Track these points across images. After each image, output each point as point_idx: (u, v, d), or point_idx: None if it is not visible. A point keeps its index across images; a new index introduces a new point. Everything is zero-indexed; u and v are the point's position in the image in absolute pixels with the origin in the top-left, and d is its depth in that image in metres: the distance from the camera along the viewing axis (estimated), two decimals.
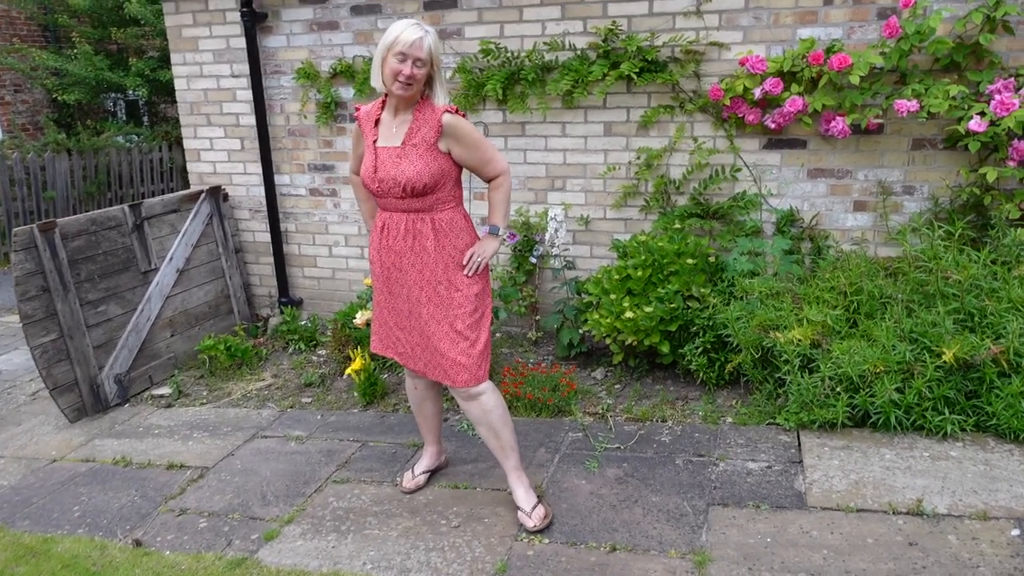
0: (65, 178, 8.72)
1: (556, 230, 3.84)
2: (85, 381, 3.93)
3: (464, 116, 2.53)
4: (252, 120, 4.77)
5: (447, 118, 2.44)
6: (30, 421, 3.97)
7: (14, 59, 9.77)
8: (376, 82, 2.49)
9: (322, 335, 4.71)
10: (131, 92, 10.42)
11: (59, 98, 9.75)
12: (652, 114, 3.99)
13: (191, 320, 4.63)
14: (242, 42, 4.62)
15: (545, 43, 4.05)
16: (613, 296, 3.56)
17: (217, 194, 4.84)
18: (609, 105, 4.11)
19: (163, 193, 10.14)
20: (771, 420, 3.09)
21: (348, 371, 3.74)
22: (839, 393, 2.87)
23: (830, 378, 2.87)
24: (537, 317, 4.45)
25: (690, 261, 3.52)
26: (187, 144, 5.05)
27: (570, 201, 4.32)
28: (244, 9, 4.43)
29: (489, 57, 4.13)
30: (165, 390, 4.20)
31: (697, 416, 3.29)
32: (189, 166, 5.10)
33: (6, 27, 10.68)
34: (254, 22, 4.50)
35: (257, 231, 5.07)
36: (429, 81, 2.47)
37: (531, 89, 4.12)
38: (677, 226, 3.78)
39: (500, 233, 2.59)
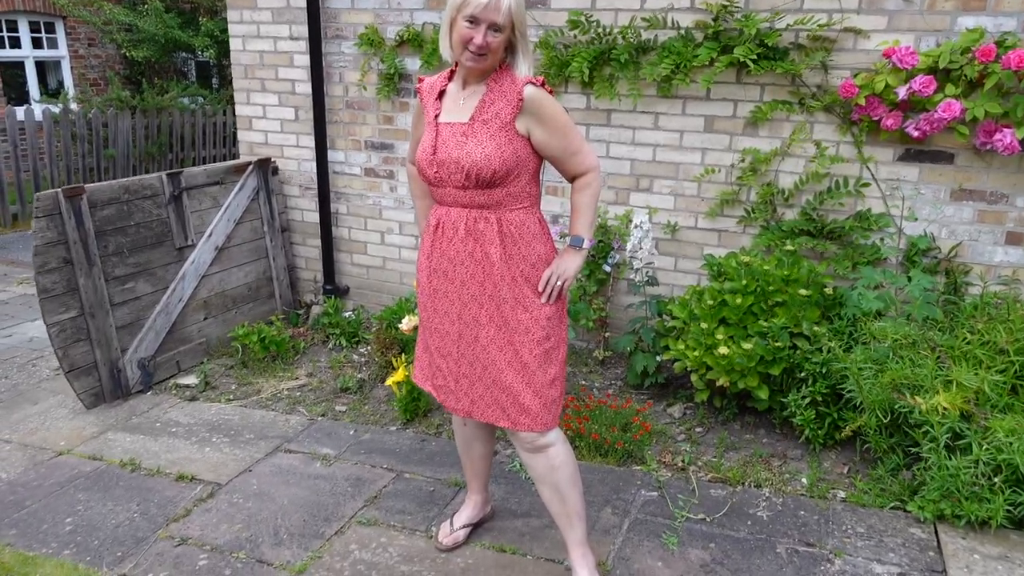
0: (127, 136, 8.54)
1: (641, 240, 3.27)
2: (105, 364, 3.58)
3: (551, 92, 2.00)
4: (308, 88, 4.33)
5: (530, 91, 1.94)
6: (47, 401, 3.64)
7: (88, 12, 9.63)
8: (444, 50, 1.99)
9: (366, 331, 4.26)
10: (200, 53, 10.20)
11: (128, 54, 9.57)
12: (765, 110, 3.36)
13: (228, 303, 4.25)
14: (303, 1, 4.17)
15: (644, 19, 3.46)
16: (704, 325, 2.99)
17: (266, 167, 4.43)
18: (713, 96, 3.50)
19: (225, 158, 9.92)
20: (899, 505, 2.49)
21: (389, 381, 3.28)
22: (996, 484, 2.25)
23: (985, 462, 2.25)
24: (607, 334, 3.90)
25: (802, 292, 2.91)
26: (239, 111, 4.66)
27: (656, 204, 3.74)
28: None
29: (577, 31, 3.56)
30: (192, 379, 3.83)
31: (800, 484, 2.71)
32: (240, 134, 4.70)
33: None
34: None
35: (306, 210, 4.65)
36: (510, 48, 1.97)
37: (623, 72, 3.55)
38: (789, 247, 3.16)
39: (585, 246, 2.05)
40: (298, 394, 3.65)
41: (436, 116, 2.04)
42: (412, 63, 4.07)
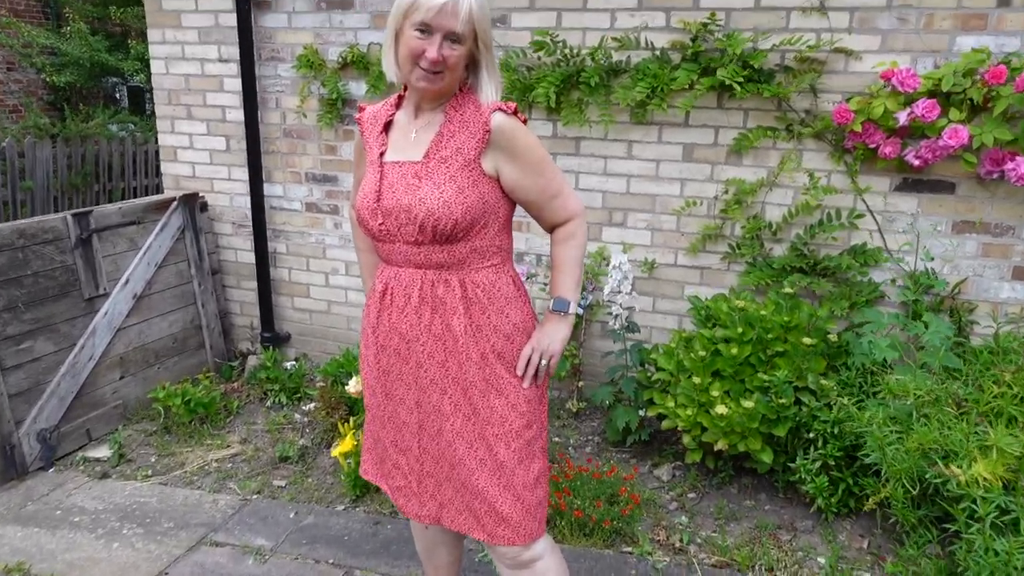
0: (47, 167, 7.86)
1: (620, 282, 2.92)
2: None
3: (525, 122, 1.63)
4: (240, 115, 3.88)
5: (499, 120, 1.56)
6: None
7: (4, 34, 8.95)
8: (389, 68, 1.61)
9: (309, 386, 3.79)
10: (130, 77, 9.60)
11: (48, 79, 8.91)
12: (750, 137, 3.06)
13: (149, 357, 3.72)
14: (233, 19, 3.73)
15: (615, 39, 3.14)
16: (697, 379, 2.63)
17: (193, 203, 3.94)
18: (692, 123, 3.19)
19: (159, 188, 9.28)
20: None
21: (335, 452, 2.83)
22: None
23: None
24: (580, 383, 3.52)
25: (806, 341, 2.59)
26: (162, 140, 4.16)
27: (631, 240, 3.40)
28: None
29: (542, 53, 3.22)
30: (103, 451, 3.29)
31: (817, 564, 2.36)
32: (163, 166, 4.21)
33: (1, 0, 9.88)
34: None
35: (240, 249, 4.17)
36: (472, 65, 1.60)
37: (592, 96, 3.21)
38: (787, 289, 2.84)
39: (571, 311, 1.67)
40: (229, 466, 3.15)
41: (381, 154, 1.64)
42: (357, 87, 3.67)
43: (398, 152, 1.62)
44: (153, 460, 3.22)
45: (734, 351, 2.61)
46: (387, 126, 1.67)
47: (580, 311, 3.38)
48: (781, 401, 2.49)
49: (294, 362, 4.02)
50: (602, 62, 3.18)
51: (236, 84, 3.86)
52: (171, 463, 3.19)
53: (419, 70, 1.51)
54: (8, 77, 10.14)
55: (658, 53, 3.13)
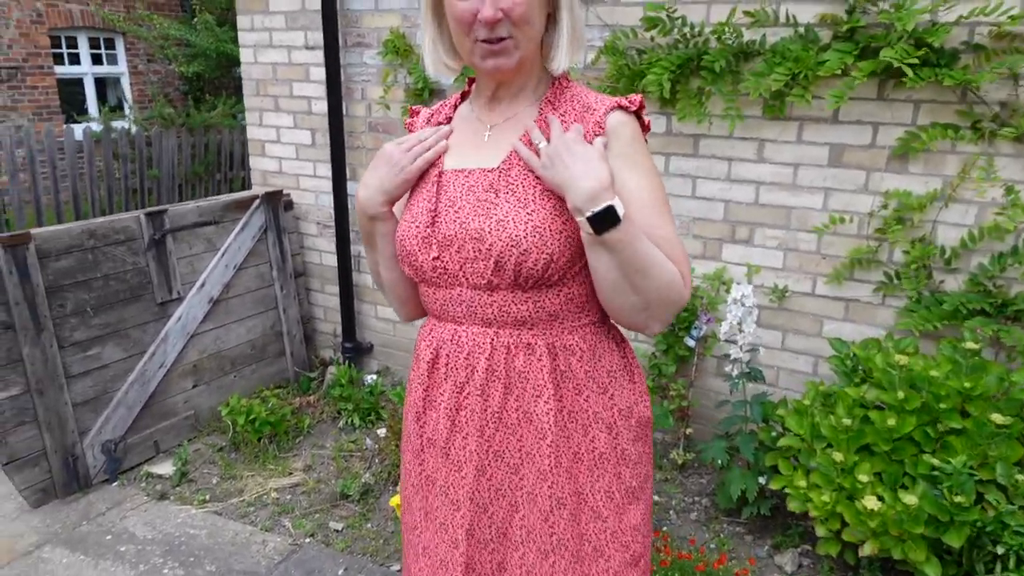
0: (172, 156, 8.10)
1: (742, 319, 2.35)
2: (57, 452, 2.89)
3: (648, 128, 1.17)
4: (325, 107, 3.59)
5: (618, 121, 1.12)
6: None
7: (142, 28, 9.33)
8: (436, 59, 1.20)
9: (386, 407, 3.46)
10: None
11: (178, 70, 9.20)
12: (923, 137, 2.38)
13: (225, 365, 3.53)
14: (319, 2, 3.43)
15: (747, 12, 2.54)
16: (838, 456, 2.04)
17: (276, 201, 3.70)
18: (844, 118, 2.55)
19: None
20: None
21: (393, 502, 2.46)
22: None
23: None
24: (688, 429, 2.97)
25: (996, 418, 1.92)
26: (250, 133, 3.96)
27: (758, 261, 2.80)
28: None
29: (656, 32, 2.67)
30: (167, 468, 3.11)
31: None
32: (252, 161, 4.01)
33: None
34: None
35: (325, 252, 3.90)
36: (551, 24, 1.14)
37: (716, 85, 2.63)
38: (970, 344, 2.16)
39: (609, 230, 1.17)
40: (288, 498, 2.87)
41: (440, 162, 1.22)
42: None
43: (463, 157, 1.19)
44: (214, 483, 3.00)
45: (891, 422, 1.99)
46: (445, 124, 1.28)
47: (691, 343, 2.83)
48: (957, 499, 1.85)
49: (375, 375, 3.72)
50: (730, 42, 2.59)
51: (322, 73, 3.57)
52: (230, 488, 2.95)
53: (479, 45, 1.08)
54: (148, 68, 10.64)
55: (802, 30, 2.50)
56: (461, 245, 1.11)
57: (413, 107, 1.37)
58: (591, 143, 1.08)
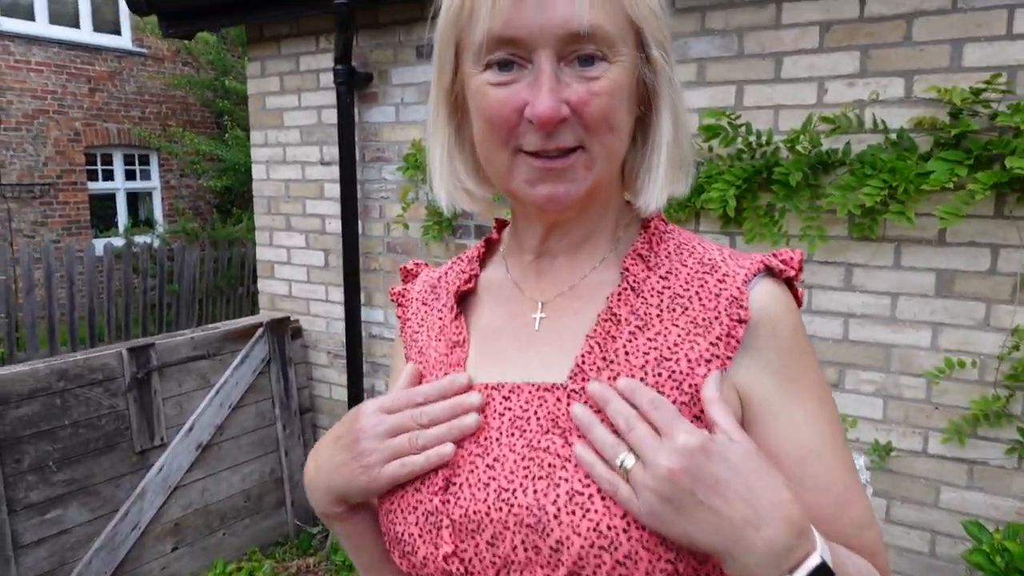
0: (194, 270, 7.91)
1: None
2: None
3: (801, 300, 0.70)
4: (340, 225, 3.25)
5: (768, 296, 0.67)
6: None
7: (174, 145, 9.43)
8: (445, 177, 0.74)
9: None
10: None
11: (207, 184, 9.20)
12: None
13: (212, 522, 3.03)
14: (336, 116, 3.15)
15: (825, 118, 2.15)
16: None
17: (282, 330, 3.31)
18: (952, 239, 2.09)
19: None
20: None
21: None
22: None
23: None
24: None
25: None
26: (259, 254, 3.63)
27: (852, 411, 2.28)
28: (338, 66, 2.97)
29: (717, 142, 2.29)
30: None
31: None
32: (260, 284, 3.66)
33: (181, 112, 10.58)
34: (351, 85, 3.01)
35: (336, 384, 3.47)
36: (640, 131, 0.70)
37: (791, 201, 2.21)
38: None
39: None
40: None
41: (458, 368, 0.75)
42: None
43: (500, 359, 0.73)
44: None
45: None
46: (459, 301, 0.79)
47: None
48: None
49: None
50: (806, 152, 2.19)
51: (337, 190, 3.25)
52: None
53: (525, 160, 0.66)
54: (180, 183, 10.73)
55: (893, 137, 2.10)
56: (499, 533, 0.64)
57: (406, 265, 0.90)
58: (727, 332, 0.64)
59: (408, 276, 0.89)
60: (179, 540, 2.91)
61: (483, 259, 0.82)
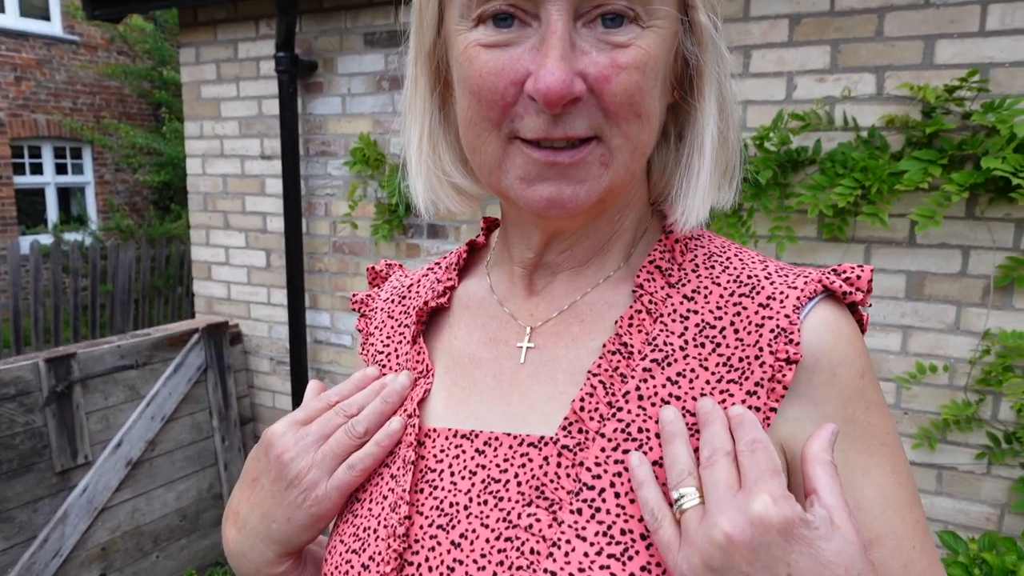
0: (129, 269, 7.52)
1: None
2: None
3: (867, 324, 0.56)
4: (282, 224, 3.05)
5: (833, 330, 0.53)
6: None
7: (107, 138, 8.97)
8: (429, 170, 0.58)
9: None
10: None
11: (144, 179, 8.79)
12: None
13: (144, 544, 2.81)
14: (277, 107, 2.95)
15: (796, 115, 2.07)
16: None
17: (220, 335, 3.10)
18: (922, 241, 2.03)
19: None
20: None
21: None
22: None
23: None
24: None
25: None
26: (195, 254, 3.40)
27: None
28: (280, 54, 2.77)
29: None
30: None
31: None
32: (196, 286, 3.42)
33: (116, 103, 10.08)
34: (293, 74, 2.82)
35: (279, 392, 3.26)
36: (678, 105, 0.56)
37: (760, 200, 2.13)
38: None
39: None
40: None
41: (415, 412, 0.59)
42: None
43: (469, 398, 0.60)
44: None
45: None
46: (427, 319, 0.66)
47: None
48: None
49: None
50: (776, 149, 2.10)
51: (279, 185, 3.05)
52: None
53: (520, 148, 0.51)
54: (116, 178, 10.23)
55: (865, 135, 2.03)
56: None
57: (374, 266, 0.75)
58: (772, 375, 0.51)
59: (376, 279, 0.74)
60: (107, 566, 2.68)
61: (465, 267, 0.68)
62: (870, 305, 0.56)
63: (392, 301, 0.69)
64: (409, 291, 0.69)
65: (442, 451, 0.56)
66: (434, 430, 0.57)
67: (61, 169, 9.81)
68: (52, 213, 9.68)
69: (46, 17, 9.39)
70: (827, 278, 0.54)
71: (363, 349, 0.69)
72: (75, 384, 2.59)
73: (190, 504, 2.98)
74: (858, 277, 0.55)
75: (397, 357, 0.64)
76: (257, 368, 3.29)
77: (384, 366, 0.65)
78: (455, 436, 0.56)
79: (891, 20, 1.98)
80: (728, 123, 0.55)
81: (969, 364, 2.00)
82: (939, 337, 2.05)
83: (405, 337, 0.64)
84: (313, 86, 2.92)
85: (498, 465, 0.54)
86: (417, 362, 0.61)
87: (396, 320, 0.67)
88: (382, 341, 0.66)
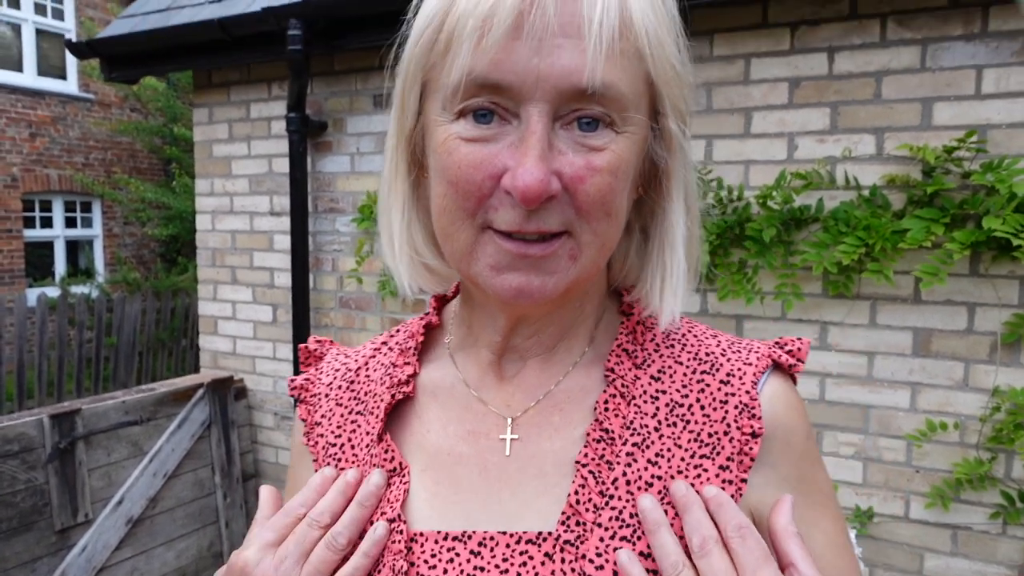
0: (135, 322, 7.54)
1: None
2: None
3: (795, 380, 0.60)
4: (289, 279, 3.07)
5: (780, 401, 0.57)
6: None
7: (118, 193, 9.11)
8: (402, 248, 0.59)
9: None
10: None
11: (151, 232, 8.89)
12: None
13: None
14: (287, 165, 3.01)
15: (797, 174, 2.10)
16: None
17: (225, 390, 3.09)
18: (928, 298, 2.04)
19: None
20: None
21: None
22: None
23: None
24: None
25: None
26: (202, 309, 3.42)
27: (832, 474, 2.17)
28: (292, 114, 2.84)
29: None
30: None
31: None
32: (202, 340, 3.43)
33: (127, 159, 10.28)
34: (304, 134, 2.88)
35: (283, 448, 3.24)
36: (642, 201, 0.57)
37: (764, 257, 2.14)
38: None
39: None
40: None
41: (400, 516, 0.57)
42: None
43: (455, 498, 0.58)
44: None
45: None
46: (387, 413, 0.61)
47: None
48: None
49: None
50: (778, 208, 2.13)
51: (287, 241, 3.09)
52: None
53: (492, 238, 0.52)
54: (124, 231, 10.36)
55: (866, 194, 2.06)
56: None
57: (307, 345, 0.71)
58: (739, 448, 0.55)
59: (309, 359, 0.70)
60: None
61: (422, 336, 0.65)
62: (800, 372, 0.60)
63: (340, 388, 0.65)
64: (357, 375, 0.65)
65: (434, 556, 0.54)
66: (421, 534, 0.55)
67: (71, 222, 9.94)
68: (60, 266, 9.76)
69: (63, 76, 9.65)
70: (774, 352, 0.59)
71: (308, 439, 0.65)
72: (78, 440, 2.58)
73: (190, 563, 2.93)
74: (799, 349, 0.60)
75: (353, 449, 0.61)
76: (261, 423, 3.28)
77: (339, 460, 0.61)
78: (445, 539, 0.54)
79: (888, 83, 2.03)
80: (694, 219, 0.58)
81: (980, 422, 1.98)
82: (948, 394, 2.04)
83: (360, 427, 0.61)
84: (323, 145, 2.99)
85: (497, 566, 0.52)
86: (386, 460, 0.58)
87: (346, 407, 0.63)
88: (332, 432, 0.63)
